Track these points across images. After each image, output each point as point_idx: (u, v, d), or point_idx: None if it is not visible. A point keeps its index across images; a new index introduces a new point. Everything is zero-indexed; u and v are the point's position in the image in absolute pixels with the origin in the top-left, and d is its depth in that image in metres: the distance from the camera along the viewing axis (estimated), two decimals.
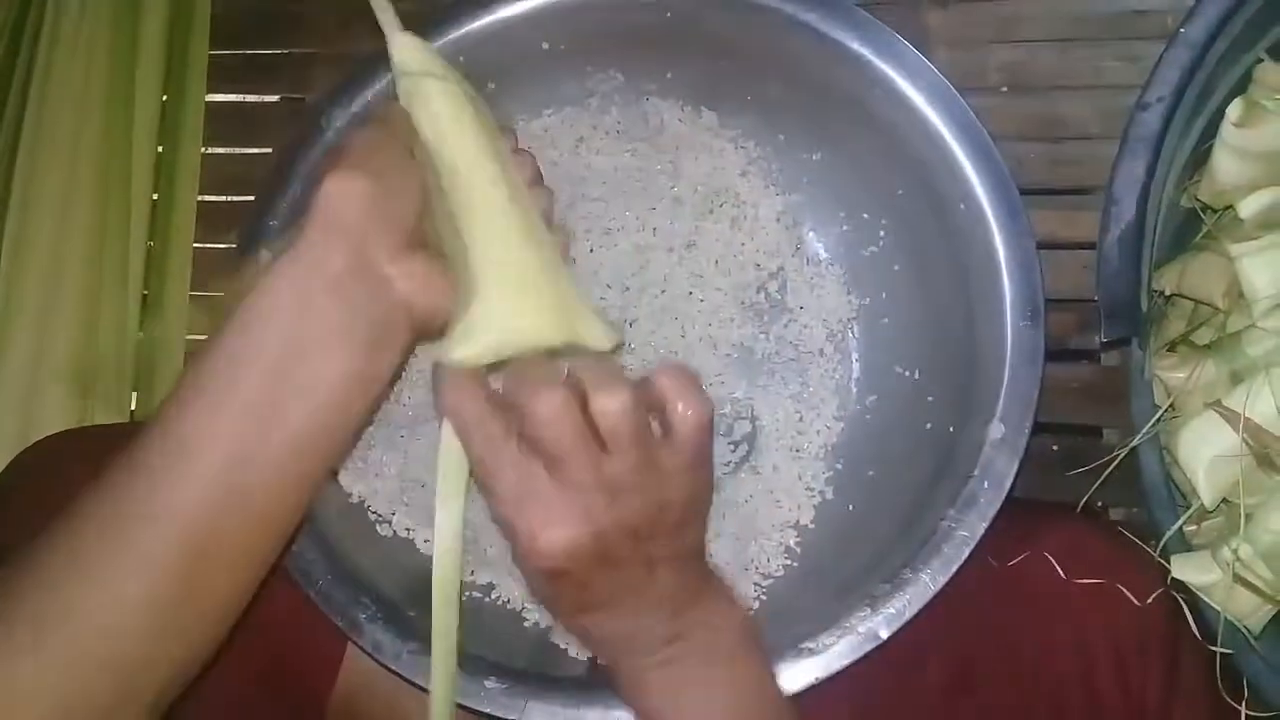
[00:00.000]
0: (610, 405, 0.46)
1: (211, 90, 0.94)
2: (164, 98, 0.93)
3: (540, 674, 0.62)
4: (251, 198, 0.72)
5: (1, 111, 0.92)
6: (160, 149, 0.92)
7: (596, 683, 0.65)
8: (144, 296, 0.89)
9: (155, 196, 0.91)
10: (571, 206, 0.75)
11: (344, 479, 0.71)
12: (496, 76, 0.74)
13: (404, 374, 0.73)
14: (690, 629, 0.52)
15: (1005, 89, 0.81)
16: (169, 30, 0.94)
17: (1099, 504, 0.76)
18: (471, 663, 0.61)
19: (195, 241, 0.90)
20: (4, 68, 0.92)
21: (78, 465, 0.71)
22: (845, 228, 0.75)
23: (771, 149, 0.76)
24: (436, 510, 0.50)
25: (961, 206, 0.65)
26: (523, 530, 0.47)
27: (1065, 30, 0.81)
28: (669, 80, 0.76)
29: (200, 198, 0.91)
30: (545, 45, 0.73)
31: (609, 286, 0.73)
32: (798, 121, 0.74)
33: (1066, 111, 0.80)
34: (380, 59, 0.71)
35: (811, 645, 0.59)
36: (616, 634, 0.52)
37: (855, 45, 0.68)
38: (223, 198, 0.92)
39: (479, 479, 0.49)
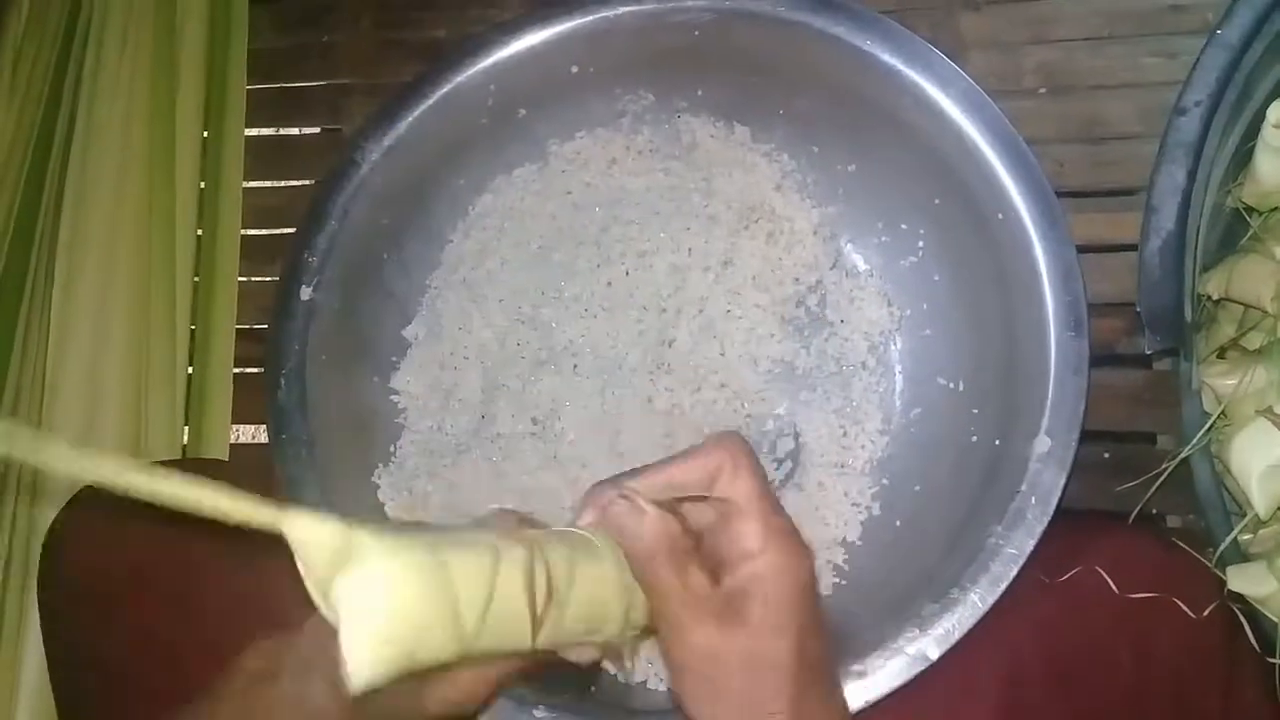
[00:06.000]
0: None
1: (250, 124, 0.95)
2: (204, 133, 0.94)
3: (587, 704, 0.62)
4: (293, 230, 0.73)
5: (47, 153, 0.93)
6: (202, 184, 0.93)
7: (647, 708, 0.65)
8: (191, 331, 0.90)
9: (199, 231, 0.92)
10: (606, 230, 0.75)
11: (389, 509, 0.72)
12: (527, 102, 0.74)
13: (446, 403, 0.73)
14: None
15: (1043, 90, 0.80)
16: (207, 65, 0.95)
17: (1154, 511, 0.74)
18: (520, 692, 0.61)
19: (239, 275, 0.91)
20: (48, 109, 0.94)
21: (130, 507, 0.73)
22: (883, 239, 0.74)
23: (806, 162, 0.76)
24: None
25: (999, 215, 0.65)
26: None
27: (1101, 28, 0.79)
28: (700, 97, 0.76)
29: (243, 231, 0.92)
30: (574, 68, 0.73)
31: (645, 309, 0.73)
32: (831, 133, 0.74)
33: (1107, 111, 0.78)
34: (411, 90, 0.72)
35: (860, 668, 0.59)
36: None
37: (885, 55, 0.67)
38: (265, 231, 0.93)
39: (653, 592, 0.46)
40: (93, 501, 0.74)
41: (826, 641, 0.47)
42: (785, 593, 0.45)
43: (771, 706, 0.45)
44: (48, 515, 0.78)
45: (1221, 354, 0.65)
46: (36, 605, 0.76)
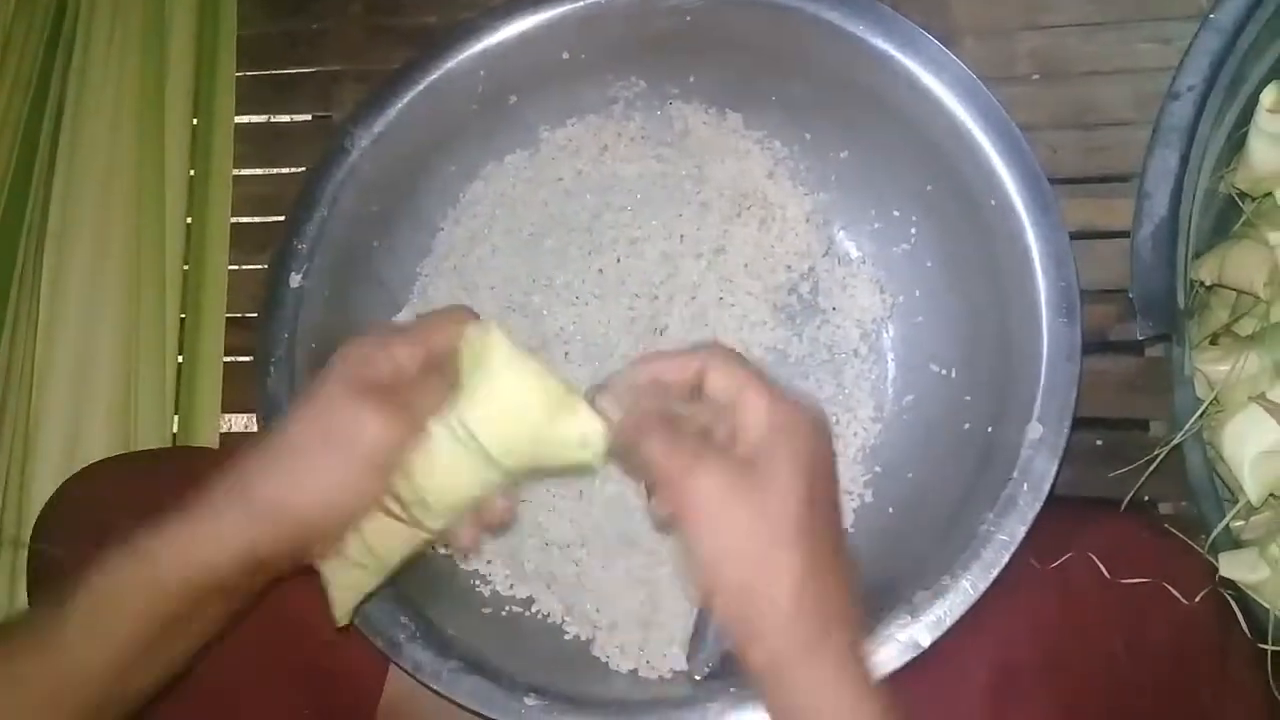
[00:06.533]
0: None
1: (240, 111, 0.94)
2: (194, 121, 0.94)
3: (580, 692, 0.62)
4: (283, 218, 0.73)
5: (36, 142, 0.93)
6: (192, 172, 0.93)
7: (638, 696, 0.65)
8: (181, 320, 0.90)
9: (189, 220, 0.92)
10: (597, 217, 0.74)
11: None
12: (518, 88, 0.74)
13: None
14: (831, 627, 0.47)
15: (1036, 76, 0.80)
16: (197, 53, 0.94)
17: (1146, 498, 0.74)
18: (510, 680, 0.61)
19: (229, 263, 0.90)
20: (36, 98, 0.93)
21: (120, 493, 0.72)
22: (876, 225, 0.74)
23: (798, 148, 0.75)
24: None
25: (991, 202, 0.64)
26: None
27: (1094, 14, 0.79)
28: (692, 84, 0.75)
29: (233, 219, 0.92)
30: (565, 55, 0.73)
31: (637, 296, 0.73)
32: (824, 120, 0.74)
33: (1100, 97, 0.79)
34: (401, 77, 0.71)
35: None
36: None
37: (878, 41, 0.67)
38: (255, 219, 0.92)
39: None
40: (80, 492, 0.74)
41: (838, 516, 0.50)
42: (794, 452, 0.47)
43: (777, 550, 0.46)
44: (35, 506, 0.78)
45: (1214, 340, 0.65)
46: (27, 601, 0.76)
